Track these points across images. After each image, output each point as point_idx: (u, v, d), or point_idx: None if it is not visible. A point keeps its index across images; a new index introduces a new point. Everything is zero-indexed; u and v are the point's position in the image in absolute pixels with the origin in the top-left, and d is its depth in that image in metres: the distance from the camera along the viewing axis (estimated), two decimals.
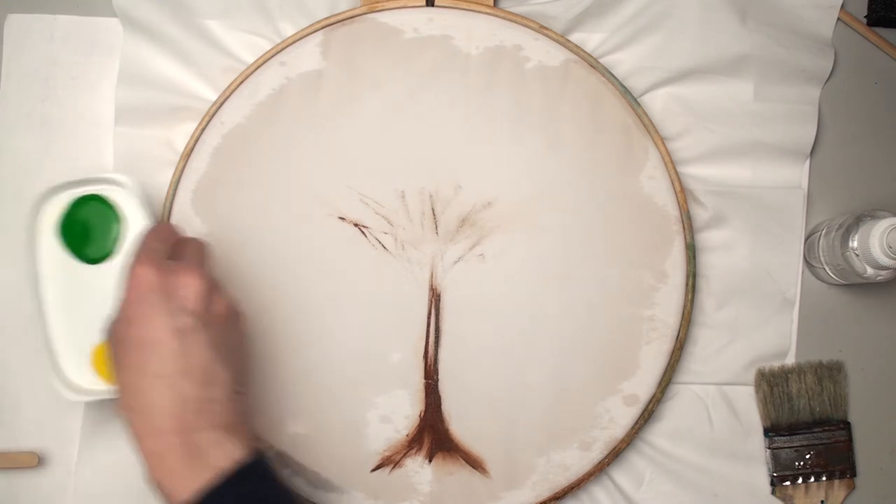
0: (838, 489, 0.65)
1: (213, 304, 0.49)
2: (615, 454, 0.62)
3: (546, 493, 0.62)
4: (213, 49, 0.64)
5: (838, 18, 0.67)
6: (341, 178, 0.63)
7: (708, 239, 0.65)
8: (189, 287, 0.48)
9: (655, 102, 0.66)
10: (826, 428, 0.65)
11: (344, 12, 0.63)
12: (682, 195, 0.63)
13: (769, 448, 0.65)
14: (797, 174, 0.66)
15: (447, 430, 0.62)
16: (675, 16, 0.65)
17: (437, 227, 0.63)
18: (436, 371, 0.62)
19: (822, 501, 0.65)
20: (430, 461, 0.62)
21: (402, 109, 0.63)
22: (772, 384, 0.65)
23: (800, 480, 0.65)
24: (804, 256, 0.66)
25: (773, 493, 0.65)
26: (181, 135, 0.64)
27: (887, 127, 0.68)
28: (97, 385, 0.59)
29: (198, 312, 0.48)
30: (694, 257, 0.63)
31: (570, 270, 0.63)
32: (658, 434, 0.65)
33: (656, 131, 0.63)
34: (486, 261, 0.63)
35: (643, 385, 0.62)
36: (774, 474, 0.65)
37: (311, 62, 0.63)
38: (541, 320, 0.62)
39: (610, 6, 0.65)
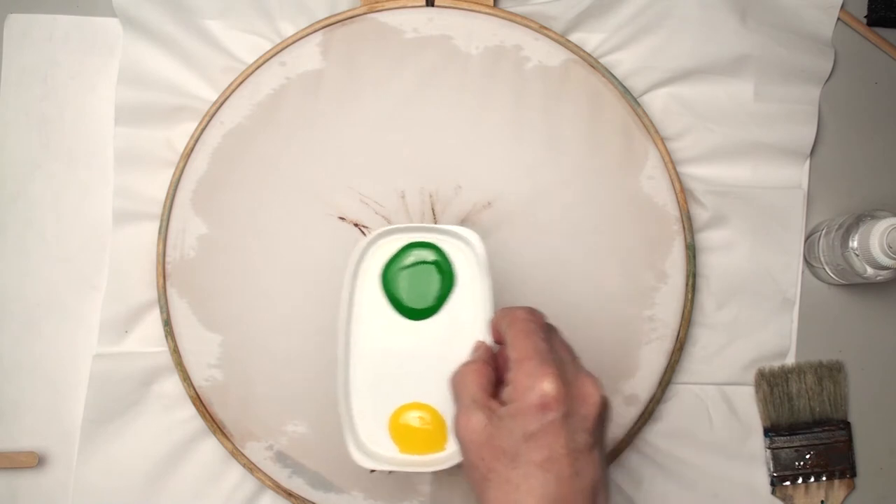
0: (838, 489, 0.65)
1: (606, 417, 0.45)
2: (615, 454, 0.62)
3: None
4: (213, 49, 0.64)
5: (838, 18, 0.67)
6: (341, 178, 0.63)
7: (708, 239, 0.65)
8: (590, 404, 0.44)
9: (655, 102, 0.66)
10: (826, 428, 0.65)
11: (344, 12, 0.63)
12: (682, 195, 0.63)
13: (769, 448, 0.65)
14: (797, 174, 0.66)
15: None
16: (675, 16, 0.65)
17: None
18: None
19: (822, 501, 0.65)
20: None
21: (402, 109, 0.63)
22: (772, 384, 0.65)
23: (800, 480, 0.65)
24: (804, 256, 0.66)
25: (773, 493, 0.65)
26: (181, 135, 0.64)
27: (887, 127, 0.68)
28: (391, 453, 0.52)
29: (595, 430, 0.44)
30: (694, 257, 0.63)
31: (569, 270, 0.63)
32: (658, 434, 0.65)
33: (656, 131, 0.63)
34: None
35: (643, 385, 0.62)
36: (774, 474, 0.65)
37: (311, 62, 0.63)
38: None
39: (610, 6, 0.65)
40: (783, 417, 0.65)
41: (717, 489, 0.65)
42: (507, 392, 0.45)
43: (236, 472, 0.63)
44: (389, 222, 0.62)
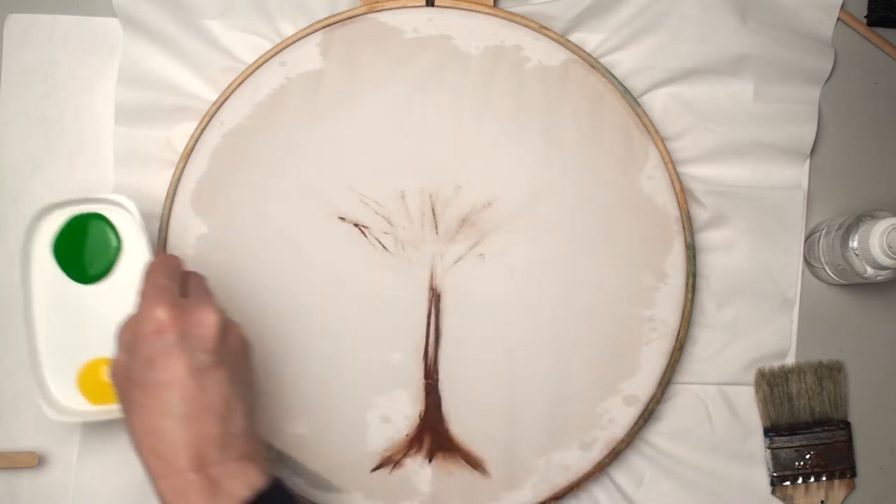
0: (838, 489, 0.65)
1: (228, 339, 0.49)
2: (615, 454, 0.62)
3: (546, 494, 0.62)
4: (213, 49, 0.64)
5: (838, 18, 0.67)
6: (341, 178, 0.63)
7: (708, 239, 0.65)
8: (205, 325, 0.48)
9: (655, 102, 0.66)
10: (826, 428, 0.65)
11: (344, 12, 0.63)
12: (682, 195, 0.63)
13: (769, 448, 0.65)
14: (797, 174, 0.66)
15: (447, 430, 0.62)
16: (675, 16, 0.65)
17: (437, 227, 0.63)
18: (436, 371, 0.62)
19: (822, 501, 0.65)
20: (430, 461, 0.62)
21: (402, 109, 0.63)
22: (772, 384, 0.65)
23: (800, 480, 0.65)
24: (804, 256, 0.66)
25: (773, 493, 0.65)
26: (181, 135, 0.64)
27: (887, 127, 0.68)
28: (82, 406, 0.59)
29: (215, 349, 0.48)
30: (694, 257, 0.63)
31: (569, 270, 0.63)
32: (658, 434, 0.65)
33: (656, 131, 0.63)
34: (486, 261, 0.63)
35: (643, 385, 0.62)
36: (774, 474, 0.65)
37: (311, 62, 0.63)
38: (541, 320, 0.62)
39: (610, 6, 0.65)
40: (783, 417, 0.65)
41: (717, 489, 0.65)
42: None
43: None
44: (389, 222, 0.62)
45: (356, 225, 0.63)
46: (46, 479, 0.64)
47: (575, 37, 0.65)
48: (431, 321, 0.62)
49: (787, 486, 0.65)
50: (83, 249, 0.59)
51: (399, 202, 0.63)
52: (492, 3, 0.64)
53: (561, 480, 0.62)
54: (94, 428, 0.63)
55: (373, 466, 0.62)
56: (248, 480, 0.46)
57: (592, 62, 0.63)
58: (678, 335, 0.63)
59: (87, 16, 0.66)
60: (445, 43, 0.63)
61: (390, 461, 0.62)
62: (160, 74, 0.64)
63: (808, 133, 0.66)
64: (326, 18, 0.63)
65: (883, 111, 0.68)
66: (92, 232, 0.59)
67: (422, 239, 0.63)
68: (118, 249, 0.59)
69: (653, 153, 0.63)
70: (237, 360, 0.50)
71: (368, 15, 0.63)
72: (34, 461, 0.62)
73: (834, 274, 0.64)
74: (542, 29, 0.63)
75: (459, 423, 0.62)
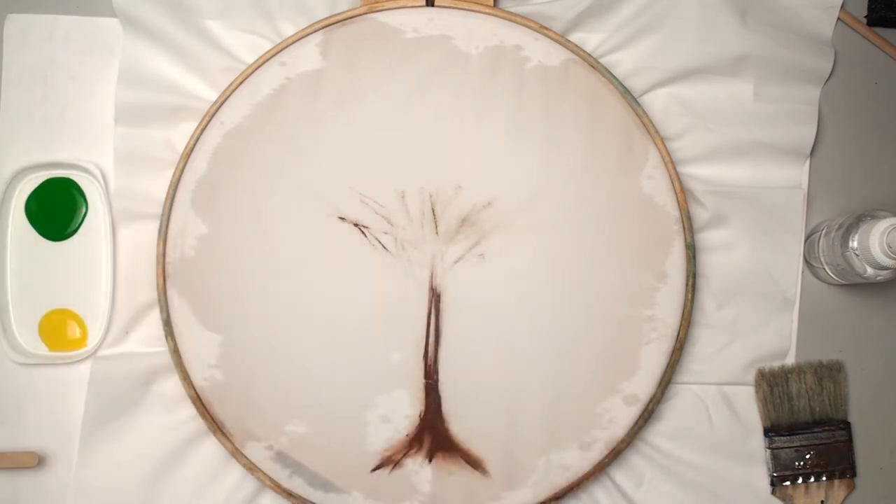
0: (838, 489, 0.65)
1: None
2: (615, 454, 0.62)
3: (546, 493, 0.62)
4: (213, 49, 0.64)
5: (838, 18, 0.67)
6: (341, 178, 0.63)
7: (708, 239, 0.65)
8: None
9: (655, 102, 0.66)
10: (826, 428, 0.65)
11: (344, 12, 0.63)
12: (682, 195, 0.63)
13: (769, 448, 0.65)
14: (797, 174, 0.66)
15: (447, 430, 0.62)
16: (675, 16, 0.65)
17: (437, 227, 0.63)
18: (436, 371, 0.62)
19: (822, 501, 0.65)
20: (430, 461, 0.62)
21: (402, 109, 0.63)
22: (772, 384, 0.65)
23: (800, 480, 0.65)
24: (804, 256, 0.66)
25: (773, 493, 0.65)
26: (181, 135, 0.64)
27: (887, 127, 0.68)
28: (41, 351, 0.64)
29: None
30: (694, 257, 0.63)
31: (570, 270, 0.63)
32: (658, 434, 0.65)
33: (656, 131, 0.63)
34: (486, 261, 0.63)
35: (643, 385, 0.62)
36: (774, 474, 0.65)
37: (311, 62, 0.63)
38: (541, 320, 0.62)
39: (610, 6, 0.65)
40: (783, 417, 0.65)
41: (717, 489, 0.65)
42: None
43: (236, 472, 0.63)
44: (389, 222, 0.62)
45: (356, 225, 0.63)
46: (46, 479, 0.64)
47: (575, 37, 0.65)
48: (431, 321, 0.62)
49: (787, 486, 0.65)
50: (53, 210, 0.64)
51: (399, 202, 0.63)
52: (492, 3, 0.64)
53: (561, 480, 0.62)
54: (94, 428, 0.63)
55: (373, 466, 0.62)
56: None
57: (592, 62, 0.63)
58: (678, 335, 0.63)
59: (87, 16, 0.66)
60: (445, 43, 0.63)
61: (390, 461, 0.62)
62: (160, 74, 0.64)
63: (808, 133, 0.66)
64: (326, 18, 0.63)
65: (883, 111, 0.68)
66: (62, 194, 0.64)
67: (422, 239, 0.63)
68: (85, 212, 0.64)
69: (653, 153, 0.63)
70: None
71: (368, 15, 0.63)
72: (34, 461, 0.62)
73: (834, 274, 0.64)
74: (542, 29, 0.63)
75: (459, 423, 0.62)
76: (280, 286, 0.62)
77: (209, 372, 0.62)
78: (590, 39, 0.66)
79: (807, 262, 0.66)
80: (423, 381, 0.62)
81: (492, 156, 0.63)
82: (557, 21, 0.65)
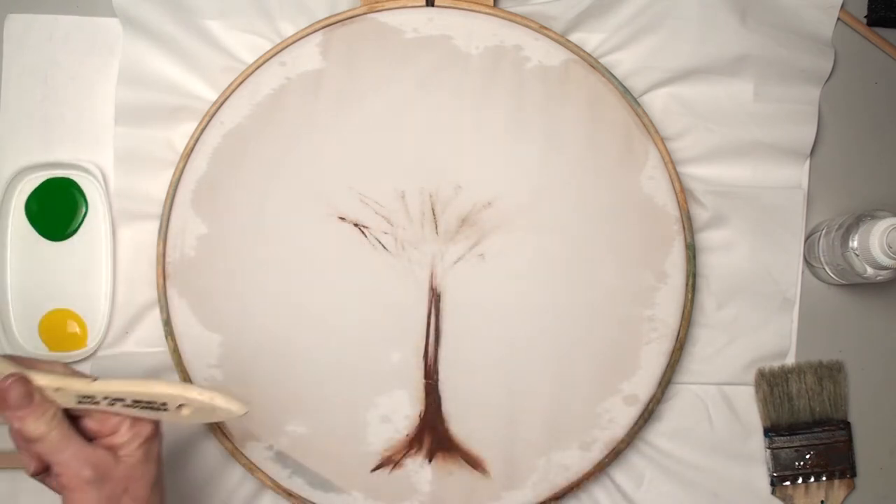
0: (838, 489, 0.65)
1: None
2: (615, 454, 0.62)
3: (546, 493, 0.62)
4: (213, 49, 0.64)
5: (838, 18, 0.67)
6: (341, 178, 0.63)
7: (708, 239, 0.65)
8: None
9: (655, 102, 0.66)
10: (826, 428, 0.65)
11: (344, 12, 0.63)
12: (682, 195, 0.63)
13: (769, 448, 0.65)
14: (797, 174, 0.66)
15: (447, 430, 0.62)
16: (675, 16, 0.65)
17: (437, 227, 0.63)
18: (436, 371, 0.62)
19: (822, 501, 0.65)
20: (430, 461, 0.62)
21: (402, 109, 0.63)
22: (772, 384, 0.65)
23: (800, 480, 0.65)
24: (804, 256, 0.66)
25: (773, 493, 0.65)
26: (181, 135, 0.64)
27: (887, 127, 0.68)
28: (41, 351, 0.64)
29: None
30: (694, 257, 0.63)
31: (569, 270, 0.63)
32: (658, 434, 0.65)
33: (656, 131, 0.63)
34: (486, 261, 0.63)
35: (643, 385, 0.62)
36: (774, 474, 0.65)
37: (311, 62, 0.63)
38: (541, 320, 0.62)
39: (610, 6, 0.65)
40: (783, 417, 0.65)
41: (717, 489, 0.65)
42: None
43: (236, 472, 0.63)
44: (389, 222, 0.62)
45: (356, 225, 0.63)
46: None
47: (575, 37, 0.65)
48: (431, 321, 0.62)
49: (787, 486, 0.65)
50: (53, 210, 0.64)
51: (399, 202, 0.63)
52: (492, 3, 0.64)
53: (561, 480, 0.62)
54: None
55: (373, 466, 0.62)
56: None
57: (592, 62, 0.63)
58: (678, 335, 0.63)
59: (87, 16, 0.66)
60: (445, 43, 0.63)
61: (390, 461, 0.62)
62: (160, 74, 0.64)
63: (808, 133, 0.66)
64: (326, 18, 0.63)
65: (883, 111, 0.68)
66: (62, 194, 0.64)
67: (422, 239, 0.63)
68: (85, 212, 0.64)
69: (653, 153, 0.63)
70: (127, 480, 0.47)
71: (368, 15, 0.63)
72: None
73: (834, 274, 0.64)
74: (542, 29, 0.63)
75: (459, 423, 0.62)
76: (280, 286, 0.62)
77: (209, 372, 0.62)
78: (590, 39, 0.66)
79: (807, 262, 0.66)
80: (423, 381, 0.62)
81: (492, 156, 0.63)
82: (557, 21, 0.65)
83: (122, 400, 0.46)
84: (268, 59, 0.63)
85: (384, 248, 0.62)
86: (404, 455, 0.62)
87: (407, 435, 0.62)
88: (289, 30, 0.64)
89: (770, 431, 0.65)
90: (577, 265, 0.63)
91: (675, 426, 0.65)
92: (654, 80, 0.65)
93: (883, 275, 0.60)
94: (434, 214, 0.63)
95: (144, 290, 0.64)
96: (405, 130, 0.63)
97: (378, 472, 0.62)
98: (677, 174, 0.63)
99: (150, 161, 0.64)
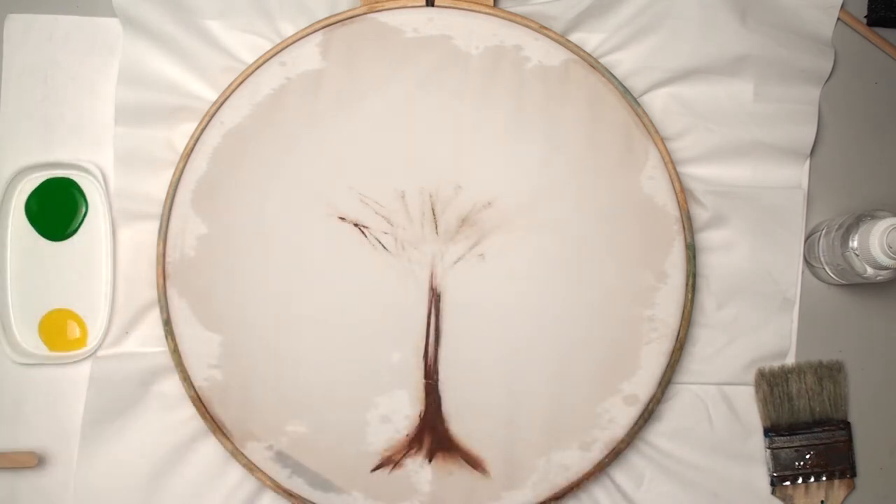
0: (838, 489, 0.65)
1: None
2: (615, 454, 0.62)
3: (546, 493, 0.62)
4: (213, 49, 0.64)
5: (838, 18, 0.67)
6: (341, 178, 0.63)
7: (708, 239, 0.65)
8: None
9: (655, 102, 0.66)
10: (826, 428, 0.65)
11: (344, 12, 0.63)
12: (682, 195, 0.63)
13: (769, 448, 0.65)
14: (797, 174, 0.66)
15: (447, 430, 0.62)
16: (675, 16, 0.65)
17: (437, 227, 0.63)
18: (436, 371, 0.62)
19: (822, 501, 0.65)
20: (430, 461, 0.62)
21: (402, 109, 0.63)
22: (772, 384, 0.65)
23: (800, 480, 0.65)
24: (804, 256, 0.66)
25: (773, 493, 0.65)
26: (181, 135, 0.64)
27: (887, 127, 0.68)
28: (41, 351, 0.64)
29: None
30: (694, 257, 0.63)
31: (570, 270, 0.63)
32: (658, 434, 0.65)
33: (656, 131, 0.63)
34: (486, 261, 0.63)
35: (643, 385, 0.62)
36: (774, 474, 0.65)
37: (311, 62, 0.63)
38: (541, 320, 0.62)
39: (610, 6, 0.65)
40: (783, 417, 0.65)
41: (717, 489, 0.65)
42: None
43: (236, 472, 0.63)
44: (389, 222, 0.62)
45: (356, 225, 0.63)
46: (46, 479, 0.64)
47: (575, 37, 0.65)
48: (431, 321, 0.62)
49: (787, 486, 0.65)
50: (53, 210, 0.64)
51: (399, 202, 0.63)
52: (492, 3, 0.64)
53: (561, 480, 0.62)
54: (94, 428, 0.63)
55: (373, 466, 0.62)
56: None
57: (592, 62, 0.63)
58: (678, 335, 0.63)
59: (87, 16, 0.66)
60: (445, 43, 0.63)
61: (390, 461, 0.62)
62: (160, 74, 0.64)
63: (808, 133, 0.66)
64: (326, 18, 0.63)
65: (883, 111, 0.68)
66: (62, 194, 0.64)
67: (422, 239, 0.63)
68: (85, 212, 0.64)
69: (653, 153, 0.63)
70: None
71: (368, 15, 0.63)
72: (34, 461, 0.62)
73: (834, 274, 0.64)
74: (542, 29, 0.63)
75: (459, 423, 0.62)
76: (280, 286, 0.62)
77: (209, 372, 0.62)
78: (590, 39, 0.66)
79: (807, 262, 0.66)
80: (423, 381, 0.62)
81: (492, 156, 0.63)
82: (557, 21, 0.65)
83: None
84: (268, 59, 0.63)
85: (384, 248, 0.62)
86: (404, 455, 0.62)
87: (407, 435, 0.62)
88: (289, 30, 0.65)
89: (770, 431, 0.65)
90: (577, 265, 0.63)
91: (675, 426, 0.65)
92: (654, 80, 0.65)
93: (883, 275, 0.60)
94: (434, 214, 0.63)
95: (144, 290, 0.64)
96: (405, 130, 0.63)
97: (378, 472, 0.62)
98: (677, 174, 0.63)
99: (150, 161, 0.64)
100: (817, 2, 0.66)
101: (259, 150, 0.63)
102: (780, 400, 0.65)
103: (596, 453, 0.62)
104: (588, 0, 0.64)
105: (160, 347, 0.63)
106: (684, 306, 0.63)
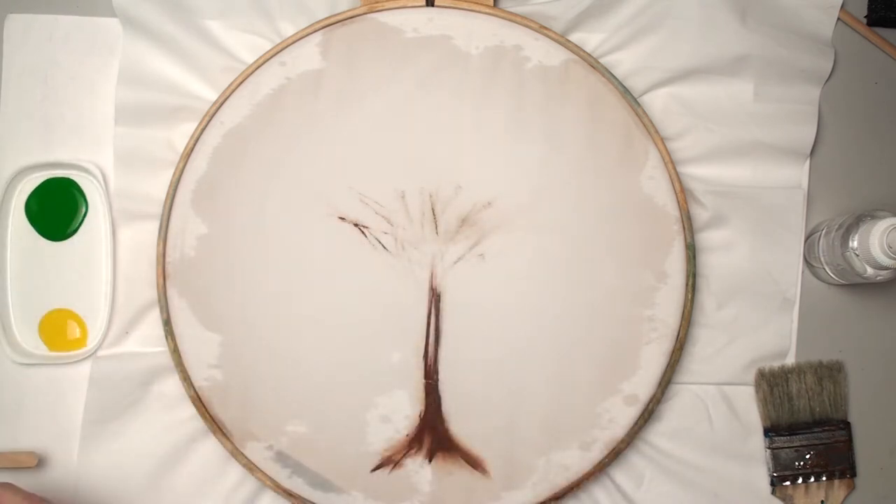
0: (838, 489, 0.65)
1: None
2: (615, 454, 0.62)
3: (546, 494, 0.62)
4: (213, 49, 0.64)
5: (838, 18, 0.67)
6: (341, 178, 0.63)
7: (708, 239, 0.65)
8: None
9: (655, 102, 0.66)
10: (826, 428, 0.65)
11: (344, 12, 0.63)
12: (682, 195, 0.63)
13: (769, 448, 0.65)
14: (797, 174, 0.66)
15: (447, 430, 0.62)
16: (675, 16, 0.65)
17: (437, 227, 0.63)
18: (436, 371, 0.62)
19: (822, 501, 0.65)
20: (430, 461, 0.62)
21: (402, 109, 0.63)
22: (772, 384, 0.65)
23: (800, 480, 0.65)
24: (804, 256, 0.66)
25: (773, 493, 0.65)
26: (181, 135, 0.64)
27: (887, 127, 0.68)
28: (41, 351, 0.64)
29: None
30: (694, 257, 0.63)
31: (570, 270, 0.63)
32: (658, 434, 0.65)
33: (656, 131, 0.63)
34: (486, 261, 0.63)
35: (643, 385, 0.62)
36: (774, 474, 0.65)
37: (311, 62, 0.63)
38: (541, 320, 0.62)
39: (610, 6, 0.65)
40: (783, 417, 0.65)
41: (717, 489, 0.65)
42: None
43: (236, 472, 0.63)
44: (389, 222, 0.62)
45: (356, 225, 0.63)
46: (46, 479, 0.64)
47: (575, 37, 0.65)
48: (431, 321, 0.62)
49: (787, 486, 0.65)
50: (53, 210, 0.64)
51: (399, 202, 0.63)
52: (492, 3, 0.64)
53: (561, 480, 0.62)
54: (94, 428, 0.63)
55: (373, 466, 0.62)
56: None
57: (592, 62, 0.63)
58: (678, 335, 0.63)
59: (87, 16, 0.66)
60: (445, 43, 0.63)
61: (390, 461, 0.62)
62: (160, 74, 0.64)
63: (808, 133, 0.66)
64: (326, 18, 0.63)
65: (883, 111, 0.68)
66: (62, 194, 0.64)
67: (422, 239, 0.63)
68: (85, 212, 0.64)
69: (653, 153, 0.63)
70: None
71: (368, 15, 0.63)
72: (34, 461, 0.62)
73: (834, 274, 0.64)
74: (542, 29, 0.63)
75: (459, 423, 0.62)
76: (280, 286, 0.62)
77: (209, 372, 0.62)
78: (590, 39, 0.66)
79: (807, 262, 0.66)
80: (423, 381, 0.62)
81: (492, 156, 0.63)
82: (557, 21, 0.65)
83: None
84: (268, 59, 0.63)
85: (384, 248, 0.62)
86: (404, 455, 0.62)
87: (407, 435, 0.62)
88: (289, 30, 0.65)
89: (770, 431, 0.65)
90: (577, 265, 0.63)
91: (675, 426, 0.65)
92: (654, 80, 0.65)
93: (883, 275, 0.60)
94: (434, 214, 0.63)
95: (144, 290, 0.64)
96: (405, 130, 0.63)
97: (378, 472, 0.62)
98: (677, 174, 0.63)
99: (150, 161, 0.64)
100: (817, 2, 0.66)
101: (259, 150, 0.63)
102: (780, 400, 0.65)
103: (596, 453, 0.62)
104: (588, 0, 0.64)
105: (160, 347, 0.63)
106: (684, 306, 0.63)
